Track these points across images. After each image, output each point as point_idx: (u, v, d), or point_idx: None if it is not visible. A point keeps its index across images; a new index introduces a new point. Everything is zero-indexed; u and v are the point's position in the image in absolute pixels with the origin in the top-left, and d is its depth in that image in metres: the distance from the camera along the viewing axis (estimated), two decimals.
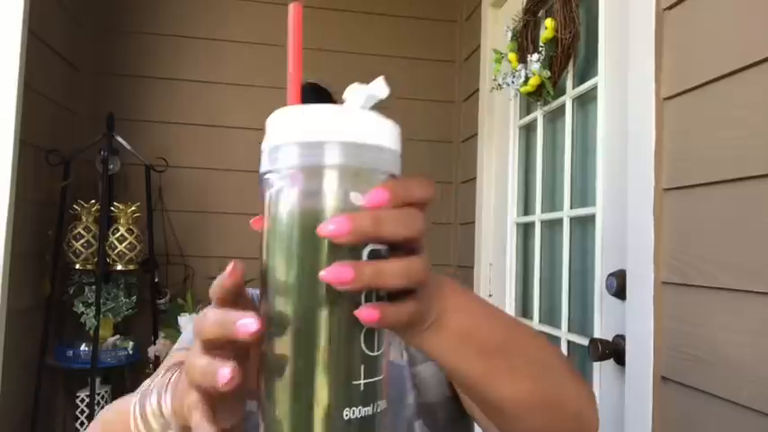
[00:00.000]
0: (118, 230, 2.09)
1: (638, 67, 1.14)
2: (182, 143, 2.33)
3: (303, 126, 0.34)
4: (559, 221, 1.62)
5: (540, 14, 1.72)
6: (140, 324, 2.20)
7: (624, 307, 1.18)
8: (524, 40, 1.72)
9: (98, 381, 2.03)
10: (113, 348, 2.10)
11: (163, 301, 2.22)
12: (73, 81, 2.21)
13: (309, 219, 0.33)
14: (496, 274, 2.05)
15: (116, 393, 2.15)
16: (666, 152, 1.06)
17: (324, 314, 0.33)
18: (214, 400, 0.38)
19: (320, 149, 0.33)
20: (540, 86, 1.61)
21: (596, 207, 1.38)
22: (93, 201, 2.09)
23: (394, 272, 0.34)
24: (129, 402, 0.51)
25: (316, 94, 1.02)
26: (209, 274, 2.26)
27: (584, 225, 1.51)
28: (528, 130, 1.94)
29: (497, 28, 2.07)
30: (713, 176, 0.95)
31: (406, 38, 2.52)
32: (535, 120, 1.80)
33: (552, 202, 1.72)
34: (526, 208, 1.92)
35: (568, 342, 1.53)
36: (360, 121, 0.34)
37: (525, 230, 1.93)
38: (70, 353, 2.07)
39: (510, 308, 1.95)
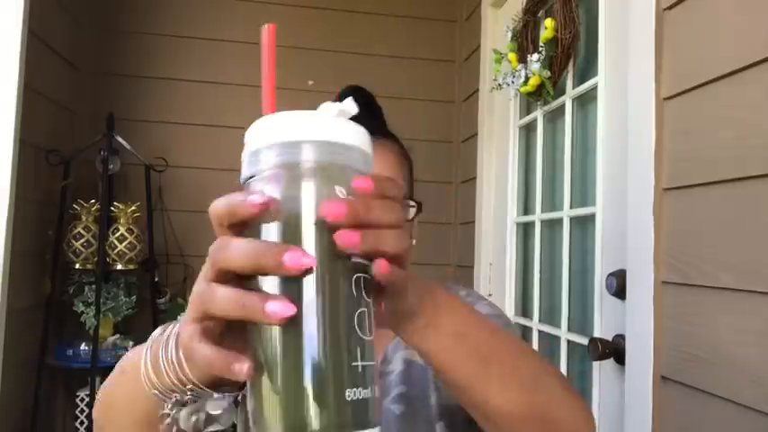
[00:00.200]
0: (118, 230, 2.09)
1: (638, 67, 1.14)
2: (181, 143, 2.33)
3: (281, 129, 0.36)
4: (559, 221, 1.62)
5: (540, 14, 1.72)
6: (140, 323, 2.20)
7: (624, 307, 1.18)
8: (524, 40, 1.72)
9: (98, 380, 2.02)
10: (113, 348, 2.10)
11: (163, 300, 2.22)
12: (73, 81, 2.21)
13: (297, 210, 0.35)
14: (496, 273, 2.05)
15: None
16: (666, 152, 1.06)
17: (321, 294, 0.34)
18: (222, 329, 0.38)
19: (298, 148, 0.36)
20: (540, 86, 1.61)
21: (596, 207, 1.38)
22: (93, 200, 2.09)
23: (381, 216, 0.35)
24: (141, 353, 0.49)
25: (358, 93, 0.97)
26: None
27: (584, 225, 1.51)
28: (528, 130, 1.94)
29: (497, 28, 2.07)
30: (713, 176, 0.95)
31: (407, 38, 2.51)
32: (535, 120, 1.80)
33: (552, 201, 1.72)
34: (526, 208, 1.92)
35: (568, 341, 1.53)
36: (335, 124, 0.37)
37: (525, 230, 1.93)
38: (70, 352, 2.07)
39: (510, 307, 1.95)
